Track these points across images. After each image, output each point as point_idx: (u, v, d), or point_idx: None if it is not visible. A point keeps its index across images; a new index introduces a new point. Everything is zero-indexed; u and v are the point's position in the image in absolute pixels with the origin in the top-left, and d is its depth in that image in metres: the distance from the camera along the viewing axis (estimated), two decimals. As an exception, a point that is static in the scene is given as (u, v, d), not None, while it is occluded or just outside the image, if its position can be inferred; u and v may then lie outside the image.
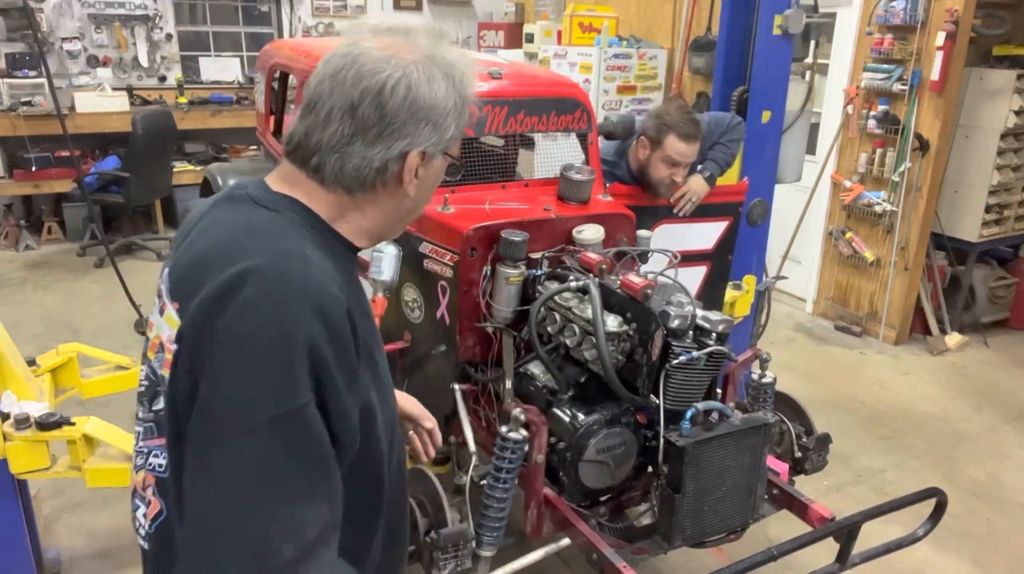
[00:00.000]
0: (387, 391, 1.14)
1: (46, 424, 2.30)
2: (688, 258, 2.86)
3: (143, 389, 1.09)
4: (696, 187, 3.00)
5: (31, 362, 2.80)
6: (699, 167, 3.08)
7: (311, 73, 1.07)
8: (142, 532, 1.12)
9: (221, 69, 7.56)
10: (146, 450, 1.08)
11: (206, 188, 3.82)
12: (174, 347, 0.97)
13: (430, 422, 1.54)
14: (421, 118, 1.03)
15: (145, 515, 1.10)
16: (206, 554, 0.89)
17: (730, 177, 3.36)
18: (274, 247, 0.98)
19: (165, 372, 1.00)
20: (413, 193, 1.09)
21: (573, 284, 2.12)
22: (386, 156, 1.04)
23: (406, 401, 1.52)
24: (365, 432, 1.02)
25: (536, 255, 2.31)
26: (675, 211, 3.01)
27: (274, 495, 0.89)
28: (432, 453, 1.57)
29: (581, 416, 2.06)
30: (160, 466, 1.05)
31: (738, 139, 3.18)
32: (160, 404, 1.04)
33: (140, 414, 1.10)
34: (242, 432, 0.89)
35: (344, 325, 0.97)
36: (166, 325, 1.01)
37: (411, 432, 1.55)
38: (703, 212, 3.07)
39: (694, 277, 3.12)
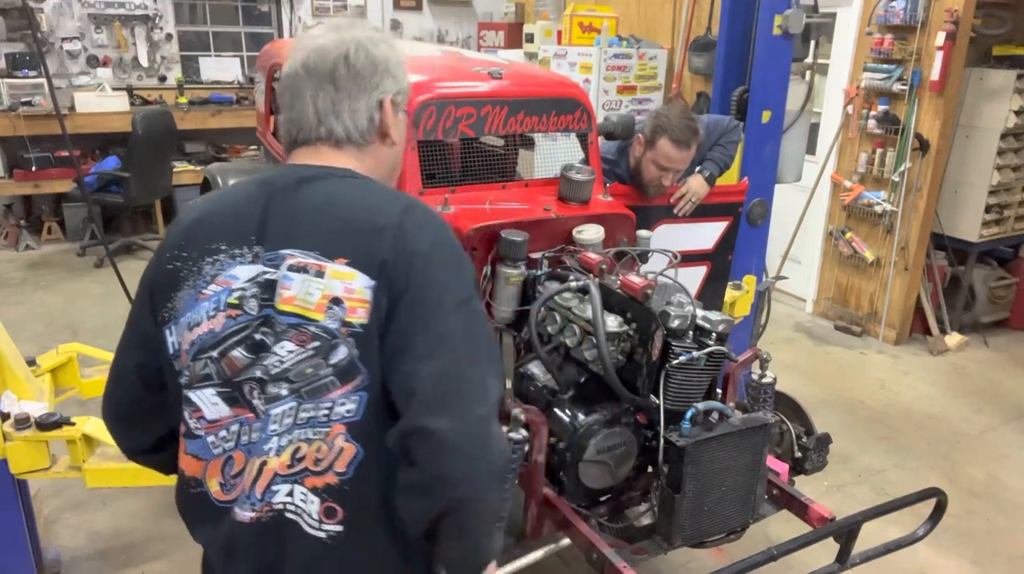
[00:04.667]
0: None
1: (46, 424, 2.30)
2: (688, 258, 2.86)
3: (302, 357, 1.17)
4: (696, 187, 3.00)
5: (31, 362, 2.80)
6: (698, 167, 3.07)
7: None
8: (293, 499, 1.18)
9: (221, 69, 7.56)
10: (328, 405, 1.16)
11: (206, 188, 3.82)
12: (371, 283, 1.15)
13: None
14: (382, 71, 1.29)
15: (331, 469, 1.17)
16: (446, 398, 1.10)
17: (730, 177, 3.35)
18: (394, 194, 1.27)
19: (353, 318, 1.15)
20: (396, 138, 1.34)
21: (573, 284, 2.12)
22: (369, 107, 1.29)
23: None
24: None
25: (536, 255, 2.31)
26: (675, 211, 3.01)
27: (472, 362, 1.13)
28: None
29: (581, 416, 2.06)
30: (350, 411, 1.16)
31: (736, 140, 3.18)
32: (339, 355, 1.15)
33: (288, 389, 1.17)
34: (444, 312, 1.14)
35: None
36: (335, 281, 1.16)
37: None
38: (703, 212, 3.07)
39: (694, 277, 3.12)
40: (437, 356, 1.12)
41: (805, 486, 2.67)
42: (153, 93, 7.13)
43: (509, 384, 2.23)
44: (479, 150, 2.83)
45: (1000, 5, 4.83)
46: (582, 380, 2.15)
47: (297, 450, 1.17)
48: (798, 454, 2.41)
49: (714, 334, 1.98)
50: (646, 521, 2.15)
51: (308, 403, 1.17)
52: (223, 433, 1.21)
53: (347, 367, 1.15)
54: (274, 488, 1.18)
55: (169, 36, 7.21)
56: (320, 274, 1.16)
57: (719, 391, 2.20)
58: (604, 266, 2.18)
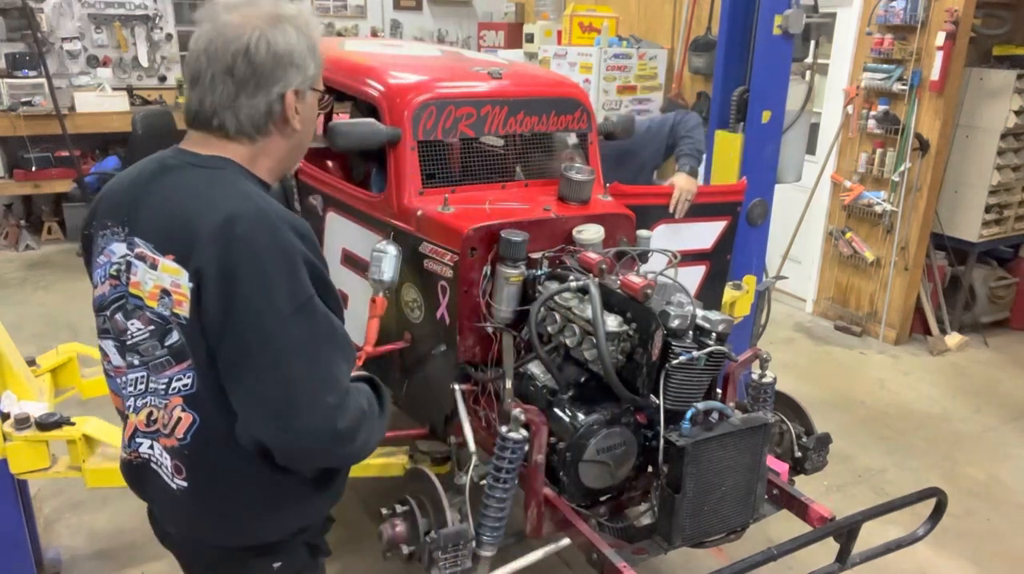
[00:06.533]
0: None
1: (46, 424, 2.30)
2: (687, 258, 2.86)
3: (145, 336, 1.30)
4: (684, 184, 3.00)
5: (31, 362, 2.80)
6: (676, 166, 3.12)
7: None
8: (153, 453, 1.37)
9: (221, 69, 7.55)
10: (166, 380, 1.29)
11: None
12: (190, 285, 1.22)
13: None
14: (286, 63, 1.29)
15: (173, 434, 1.32)
16: (287, 415, 1.20)
17: (730, 176, 3.35)
18: (237, 193, 1.26)
19: (179, 310, 1.24)
20: (299, 127, 1.36)
21: (573, 284, 2.12)
22: (268, 101, 1.30)
23: None
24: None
25: (536, 255, 2.31)
26: (671, 212, 3.01)
27: (316, 361, 1.22)
28: None
29: (581, 416, 2.06)
30: (186, 386, 1.28)
31: (695, 126, 3.37)
32: (173, 338, 1.27)
33: (139, 360, 1.32)
34: (281, 323, 1.19)
35: (312, 235, 1.30)
36: (165, 275, 1.25)
37: None
38: (702, 211, 3.06)
39: (693, 277, 3.12)
40: (265, 376, 1.20)
41: (805, 486, 2.66)
42: (153, 93, 7.13)
43: (509, 384, 2.23)
44: (479, 150, 2.83)
45: (1000, 5, 4.83)
46: (582, 380, 2.15)
47: (151, 414, 1.33)
48: (798, 454, 2.42)
49: (714, 334, 1.98)
50: (646, 521, 2.15)
51: (153, 375, 1.31)
52: (124, 378, 1.37)
53: (179, 350, 1.27)
54: (138, 440, 1.37)
55: (169, 36, 7.21)
56: (154, 266, 1.27)
57: (719, 391, 2.20)
58: (604, 266, 2.18)
